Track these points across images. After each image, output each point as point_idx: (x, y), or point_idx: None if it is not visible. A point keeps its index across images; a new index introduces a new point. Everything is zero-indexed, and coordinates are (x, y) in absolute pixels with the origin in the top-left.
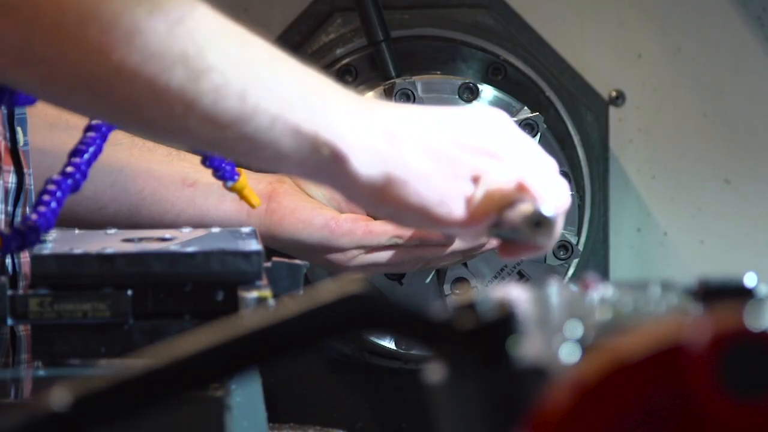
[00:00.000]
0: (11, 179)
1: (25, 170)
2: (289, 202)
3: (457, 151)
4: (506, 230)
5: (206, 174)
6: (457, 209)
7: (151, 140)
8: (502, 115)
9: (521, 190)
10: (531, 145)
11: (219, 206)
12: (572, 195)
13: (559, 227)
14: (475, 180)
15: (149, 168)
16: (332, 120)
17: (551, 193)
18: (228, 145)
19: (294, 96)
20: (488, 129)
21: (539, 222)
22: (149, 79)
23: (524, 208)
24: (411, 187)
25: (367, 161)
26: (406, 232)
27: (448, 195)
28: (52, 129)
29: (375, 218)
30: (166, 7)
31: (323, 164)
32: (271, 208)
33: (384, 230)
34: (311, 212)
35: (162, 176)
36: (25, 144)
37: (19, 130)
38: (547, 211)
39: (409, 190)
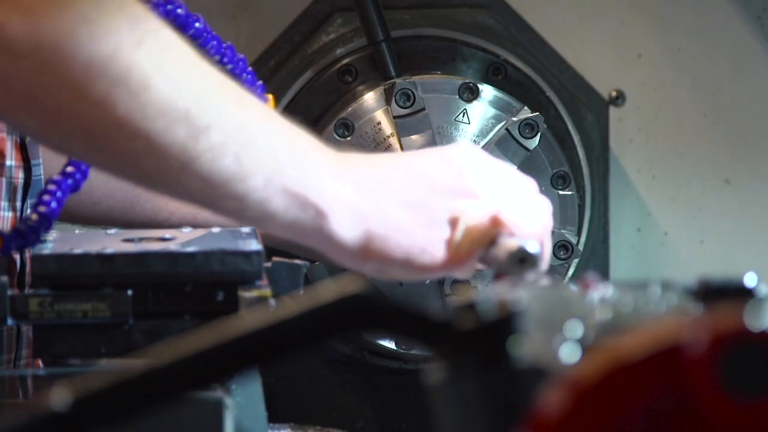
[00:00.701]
0: (20, 175)
1: (32, 161)
2: None
3: (432, 197)
4: (494, 265)
5: None
6: (439, 255)
7: (143, 189)
8: (471, 150)
9: (498, 225)
10: (505, 173)
11: None
12: (572, 195)
13: (547, 250)
14: (453, 222)
15: None
16: (318, 182)
17: (530, 221)
18: (219, 203)
19: (285, 156)
20: (460, 168)
21: (523, 259)
22: (151, 134)
23: (508, 245)
24: (392, 241)
25: (347, 222)
26: None
27: (429, 243)
28: None
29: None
30: (173, 62)
31: (309, 225)
32: None
33: None
34: None
35: None
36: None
37: None
38: (531, 248)
39: (391, 245)
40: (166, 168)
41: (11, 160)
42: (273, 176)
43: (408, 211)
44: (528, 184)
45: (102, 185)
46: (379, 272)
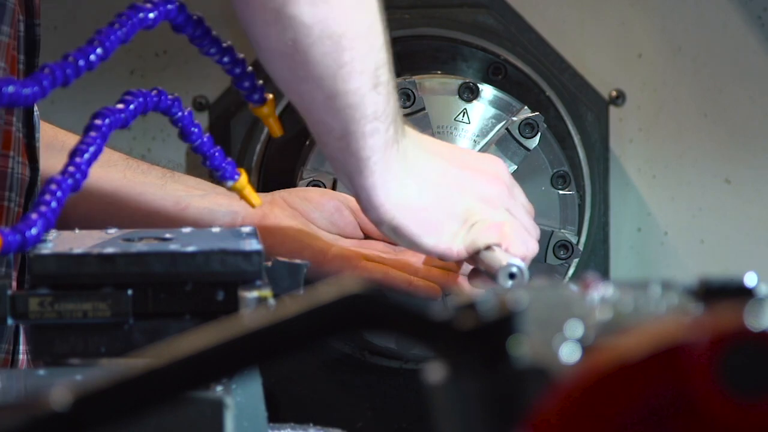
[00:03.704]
0: (27, 172)
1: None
2: (279, 231)
3: (459, 193)
4: (481, 267)
5: (198, 197)
6: (443, 243)
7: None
8: (500, 163)
9: (501, 237)
10: (520, 196)
11: None
12: (572, 195)
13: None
14: (466, 219)
15: (143, 191)
16: (400, 143)
17: (523, 243)
18: (348, 134)
19: (396, 106)
20: (490, 179)
21: (513, 275)
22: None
23: (502, 258)
24: (413, 217)
25: (394, 187)
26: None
27: (440, 229)
28: (47, 150)
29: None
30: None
31: (372, 177)
32: (261, 235)
33: (374, 277)
34: (300, 244)
35: (155, 199)
36: (37, 140)
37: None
38: (521, 266)
39: (410, 220)
40: (356, 87)
41: (18, 155)
42: (393, 122)
43: (436, 196)
44: (531, 211)
45: (100, 212)
46: (388, 235)
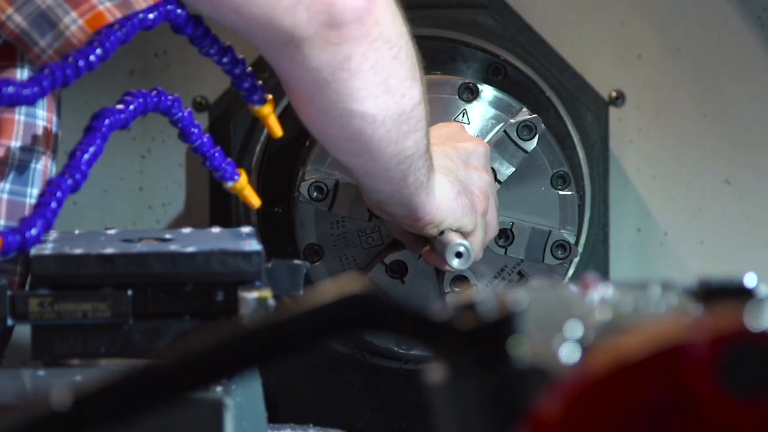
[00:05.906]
0: (54, 170)
1: None
2: None
3: (467, 175)
4: (435, 242)
5: None
6: (473, 221)
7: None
8: (483, 146)
9: (491, 235)
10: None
11: None
12: (572, 195)
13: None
14: (475, 204)
15: None
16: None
17: (486, 242)
18: (409, 170)
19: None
20: (477, 163)
21: (460, 254)
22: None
23: (455, 239)
24: (453, 203)
25: (434, 189)
26: None
27: (471, 209)
28: None
29: None
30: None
31: (424, 185)
32: None
33: None
34: None
35: None
36: None
37: None
38: (469, 249)
39: (453, 207)
40: (413, 142)
41: (48, 149)
42: (426, 149)
43: (459, 182)
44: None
45: None
46: (432, 232)
